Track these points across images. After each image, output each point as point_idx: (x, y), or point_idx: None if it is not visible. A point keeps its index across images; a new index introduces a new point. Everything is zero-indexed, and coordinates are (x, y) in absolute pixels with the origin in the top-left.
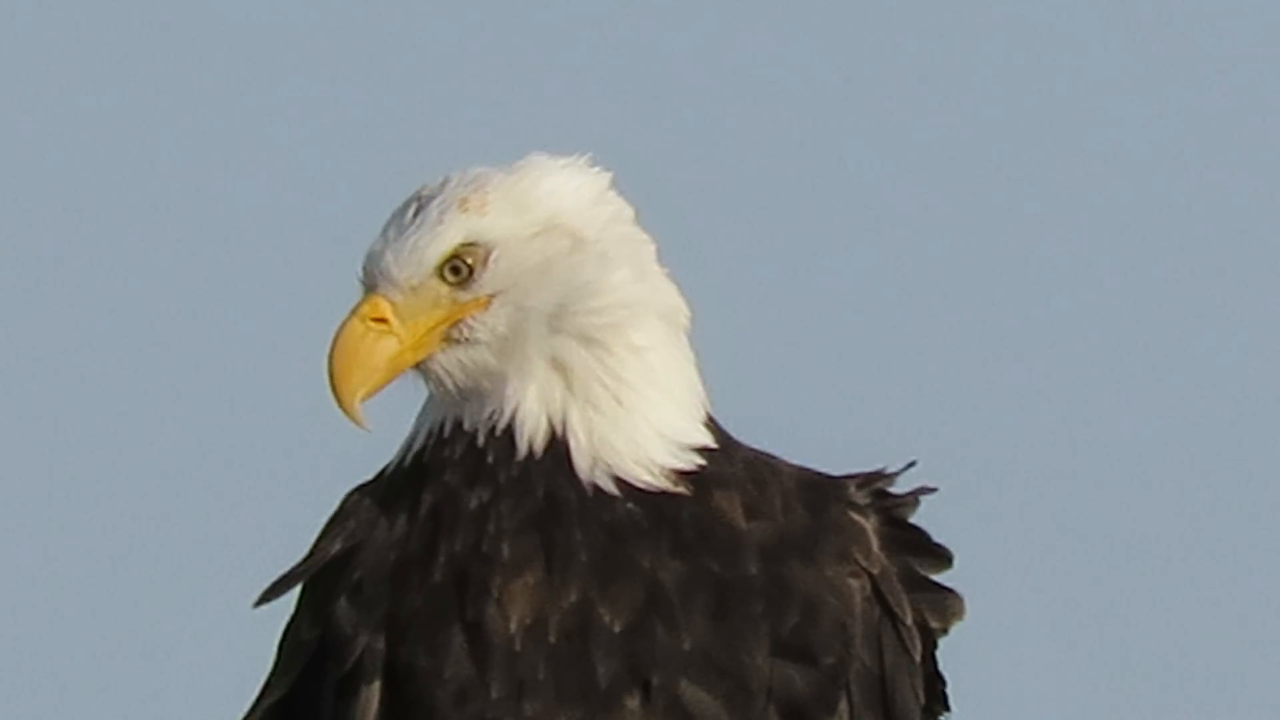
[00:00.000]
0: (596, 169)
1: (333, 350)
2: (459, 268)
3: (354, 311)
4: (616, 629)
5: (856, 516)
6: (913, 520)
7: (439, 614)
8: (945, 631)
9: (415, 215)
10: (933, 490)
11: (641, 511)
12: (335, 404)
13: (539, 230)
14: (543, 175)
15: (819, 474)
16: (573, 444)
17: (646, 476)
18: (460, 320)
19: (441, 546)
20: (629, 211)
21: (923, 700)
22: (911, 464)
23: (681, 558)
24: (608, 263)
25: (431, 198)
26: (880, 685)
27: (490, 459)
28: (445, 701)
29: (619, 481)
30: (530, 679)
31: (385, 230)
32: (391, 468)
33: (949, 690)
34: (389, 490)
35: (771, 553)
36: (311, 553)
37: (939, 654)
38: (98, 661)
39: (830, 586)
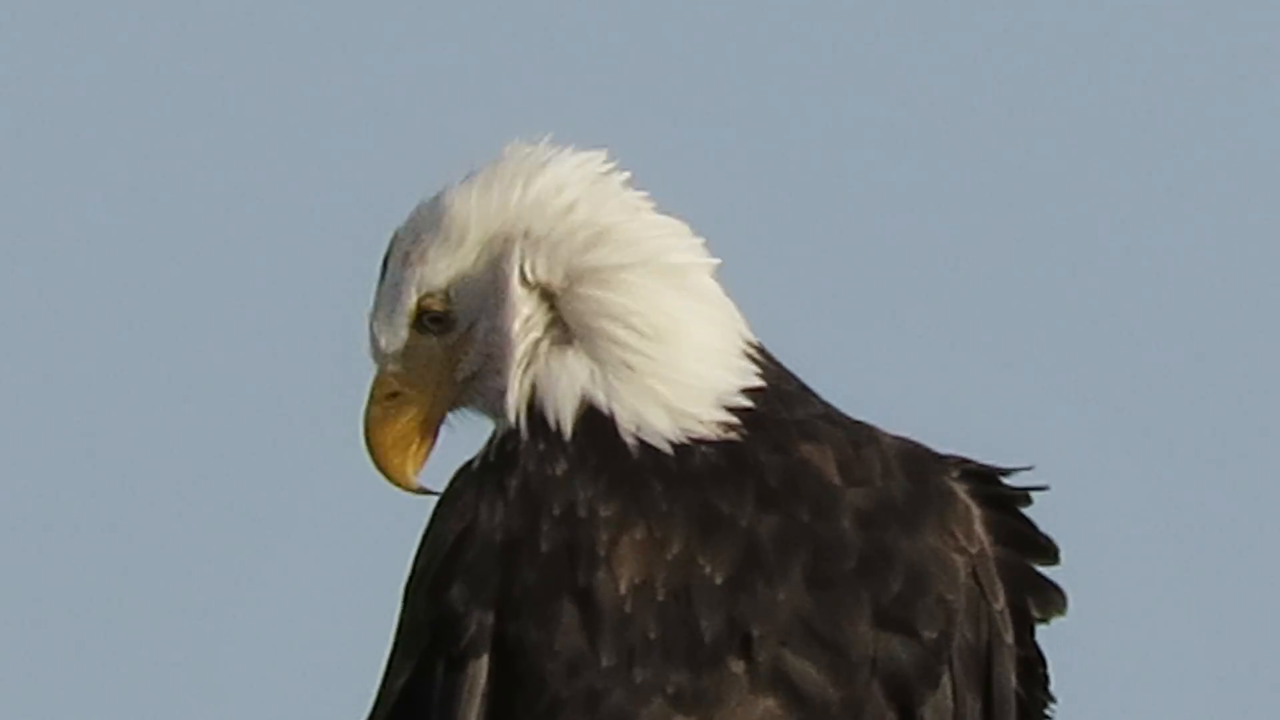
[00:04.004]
0: (517, 149)
1: (366, 440)
2: (434, 316)
3: (369, 396)
4: (718, 580)
5: (961, 494)
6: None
7: (550, 586)
8: (1045, 622)
9: (381, 281)
10: (1044, 488)
11: (718, 456)
12: (393, 486)
13: (480, 249)
14: (457, 199)
15: (922, 446)
16: (614, 414)
17: (700, 429)
18: (459, 361)
19: (543, 517)
20: (578, 173)
21: (1014, 681)
22: (1027, 468)
23: (771, 508)
24: (548, 251)
25: (387, 257)
26: (980, 662)
27: (542, 446)
28: (556, 674)
29: (675, 439)
30: (640, 644)
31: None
32: (472, 467)
33: (1049, 672)
34: (476, 483)
35: (870, 518)
36: (433, 537)
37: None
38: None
39: (934, 558)
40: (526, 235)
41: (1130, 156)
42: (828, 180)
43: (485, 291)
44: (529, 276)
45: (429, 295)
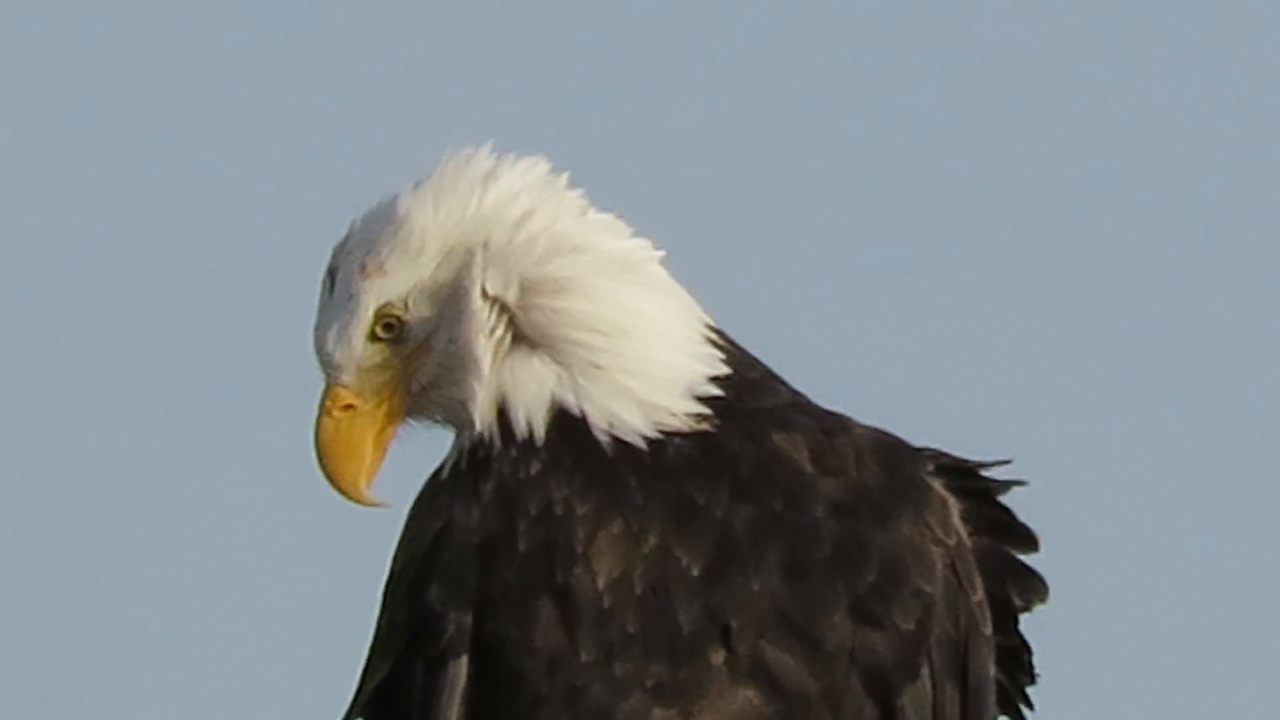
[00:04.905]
0: (464, 159)
1: (318, 453)
2: (390, 326)
3: (320, 409)
4: (694, 572)
5: (937, 485)
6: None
7: (529, 585)
8: (1027, 610)
9: (330, 293)
10: (1022, 484)
11: (691, 447)
12: (344, 499)
13: (440, 260)
14: (419, 213)
15: (895, 437)
16: (585, 413)
17: (673, 422)
18: (414, 370)
19: (519, 518)
20: (523, 179)
21: (993, 671)
22: (1005, 462)
23: (744, 499)
24: (505, 261)
25: (336, 269)
26: (958, 654)
27: (514, 452)
28: (536, 671)
29: (647, 433)
30: (620, 638)
31: (317, 313)
32: (443, 474)
33: (1034, 659)
34: (450, 487)
35: (844, 508)
36: (409, 538)
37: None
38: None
39: (910, 550)
40: (487, 246)
41: (1102, 144)
42: (801, 171)
43: (444, 302)
44: (488, 288)
45: (388, 305)
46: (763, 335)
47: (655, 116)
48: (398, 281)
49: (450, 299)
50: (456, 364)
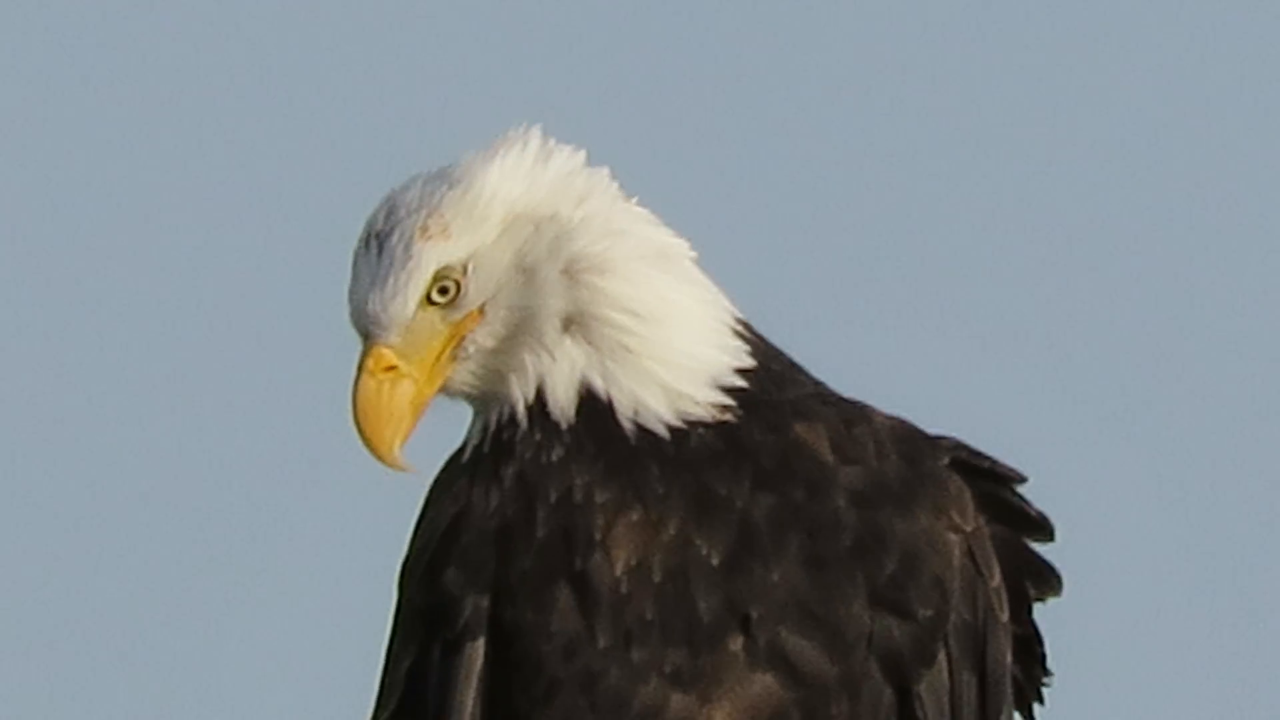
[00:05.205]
0: (528, 134)
1: (356, 413)
2: (446, 288)
3: (361, 368)
4: (715, 562)
5: (955, 473)
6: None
7: (546, 570)
8: (1042, 600)
9: (380, 254)
10: (1025, 479)
11: (714, 437)
12: (375, 460)
13: (503, 229)
14: (487, 178)
15: (913, 426)
16: (612, 398)
17: (696, 410)
18: (464, 337)
19: (538, 504)
20: (574, 162)
21: (1010, 659)
22: (1022, 476)
23: (766, 489)
24: (563, 236)
25: (389, 231)
26: (976, 640)
27: (539, 435)
28: (553, 656)
29: (671, 422)
30: (637, 624)
31: (356, 275)
32: (463, 457)
33: (1047, 651)
34: (470, 471)
35: (864, 498)
36: (426, 523)
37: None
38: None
39: (928, 538)
40: (555, 219)
41: (1105, 147)
42: (820, 164)
43: (502, 271)
44: (562, 262)
45: (447, 268)
46: (781, 325)
47: (662, 119)
48: (460, 245)
49: (512, 268)
50: (514, 334)
